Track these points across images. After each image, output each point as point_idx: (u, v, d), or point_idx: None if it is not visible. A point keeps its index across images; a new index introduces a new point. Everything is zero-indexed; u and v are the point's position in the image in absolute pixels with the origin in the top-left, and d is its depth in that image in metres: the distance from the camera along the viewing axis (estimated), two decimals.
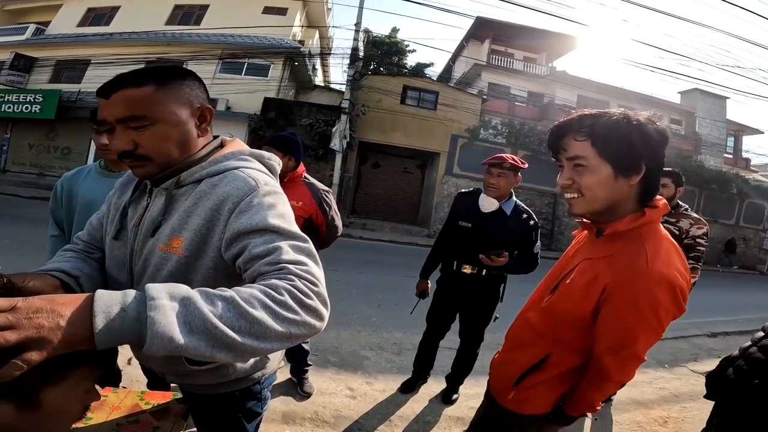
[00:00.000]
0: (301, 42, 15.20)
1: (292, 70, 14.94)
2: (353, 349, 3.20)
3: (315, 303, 0.63)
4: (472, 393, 2.54)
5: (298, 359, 2.43)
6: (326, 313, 0.65)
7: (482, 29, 17.77)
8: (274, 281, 0.62)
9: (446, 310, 2.45)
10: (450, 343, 2.64)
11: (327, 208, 2.22)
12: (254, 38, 13.72)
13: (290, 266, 0.66)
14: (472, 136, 13.24)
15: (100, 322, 0.48)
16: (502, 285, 2.34)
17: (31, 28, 15.10)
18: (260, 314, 0.57)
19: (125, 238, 0.87)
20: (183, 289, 0.56)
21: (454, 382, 2.56)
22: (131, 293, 0.53)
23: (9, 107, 13.72)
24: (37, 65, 14.44)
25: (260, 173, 0.83)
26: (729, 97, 19.72)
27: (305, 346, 2.44)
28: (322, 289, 0.66)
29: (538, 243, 2.25)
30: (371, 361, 3.03)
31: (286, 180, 2.14)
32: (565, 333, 1.01)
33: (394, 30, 21.08)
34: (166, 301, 0.52)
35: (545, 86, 17.08)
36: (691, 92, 18.54)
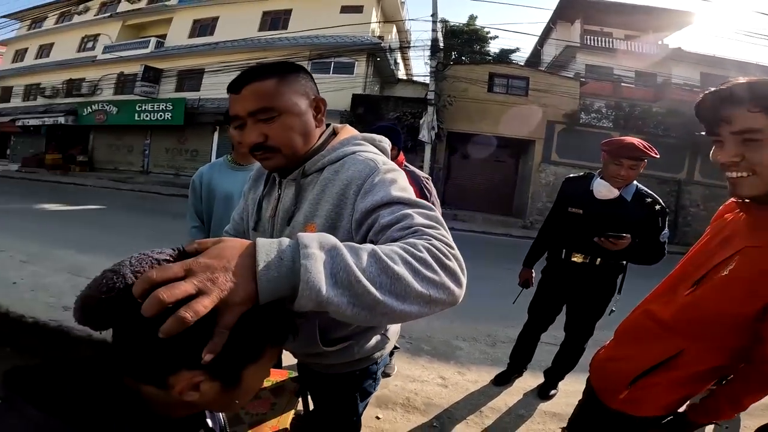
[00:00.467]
0: (381, 38, 15.45)
1: (375, 66, 15.20)
2: (446, 339, 3.15)
3: (454, 265, 0.59)
4: (573, 390, 2.32)
5: None
6: (464, 280, 0.60)
7: (569, 9, 16.62)
8: (412, 240, 0.61)
9: (552, 302, 2.34)
10: (548, 337, 2.55)
11: (428, 195, 2.28)
12: (337, 37, 14.24)
13: (424, 228, 0.64)
14: (571, 122, 12.30)
15: (262, 272, 0.47)
16: (621, 276, 2.17)
17: (153, 41, 17.17)
18: (401, 270, 0.53)
19: (263, 228, 0.96)
20: (331, 239, 0.54)
21: (554, 377, 2.44)
22: (285, 241, 0.52)
23: (146, 116, 15.94)
24: (163, 76, 16.46)
25: (376, 155, 0.86)
26: None
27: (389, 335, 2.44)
28: (458, 253, 0.62)
29: (666, 231, 1.97)
30: (464, 352, 2.99)
31: None
32: (711, 330, 0.90)
33: (472, 18, 20.65)
34: (317, 250, 0.50)
35: (657, 65, 15.30)
36: None
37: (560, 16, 17.42)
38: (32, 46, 20.97)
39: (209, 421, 0.68)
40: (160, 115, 15.63)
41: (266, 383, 1.39)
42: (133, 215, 8.34)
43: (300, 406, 1.41)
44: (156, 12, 17.85)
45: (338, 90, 13.37)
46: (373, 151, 0.89)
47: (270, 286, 0.47)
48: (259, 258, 0.48)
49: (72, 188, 12.82)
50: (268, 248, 0.49)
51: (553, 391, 2.44)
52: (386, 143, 0.96)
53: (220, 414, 0.72)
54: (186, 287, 0.42)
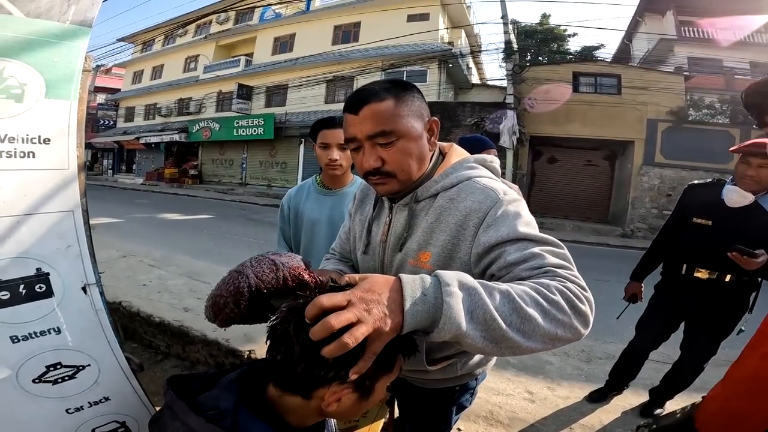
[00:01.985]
0: (450, 43, 15.25)
1: (448, 73, 15.05)
2: (535, 353, 2.83)
3: (585, 308, 0.60)
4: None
5: None
6: (591, 320, 0.61)
7: (658, 1, 14.94)
8: (545, 281, 0.61)
9: (669, 319, 2.15)
10: (657, 354, 2.39)
11: None
12: (407, 46, 14.33)
13: (557, 269, 0.64)
14: (677, 119, 10.88)
15: (408, 306, 0.52)
16: (755, 293, 1.96)
17: (243, 60, 18.60)
18: (532, 311, 0.56)
19: (374, 253, 0.94)
20: (469, 278, 0.57)
21: (662, 395, 2.25)
22: (427, 278, 0.56)
23: (243, 131, 17.38)
24: (254, 93, 17.87)
25: (493, 181, 0.84)
26: None
27: None
28: (590, 295, 0.62)
29: None
30: (555, 367, 2.85)
31: None
32: None
33: (545, 16, 19.41)
34: (456, 289, 0.54)
35: None
36: None
37: (647, 8, 15.71)
38: (147, 68, 22.90)
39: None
40: (254, 130, 16.88)
41: None
42: (235, 224, 9.20)
43: (386, 414, 1.45)
44: (241, 32, 18.98)
45: None
46: (487, 175, 0.87)
47: (414, 320, 0.53)
48: (405, 293, 0.53)
49: (186, 199, 14.59)
50: (412, 284, 0.55)
51: (658, 410, 2.23)
52: (497, 163, 0.94)
53: (332, 420, 0.77)
54: (348, 316, 0.49)
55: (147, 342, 2.85)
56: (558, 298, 0.59)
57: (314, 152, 1.64)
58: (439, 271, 0.57)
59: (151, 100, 22.40)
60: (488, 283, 0.59)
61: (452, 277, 0.56)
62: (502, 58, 11.60)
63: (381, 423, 1.36)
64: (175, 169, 20.05)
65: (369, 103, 0.77)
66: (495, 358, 1.08)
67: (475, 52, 17.28)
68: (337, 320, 0.48)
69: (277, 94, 17.37)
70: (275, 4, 16.18)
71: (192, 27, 20.33)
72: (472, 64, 19.12)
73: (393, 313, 0.52)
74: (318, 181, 1.74)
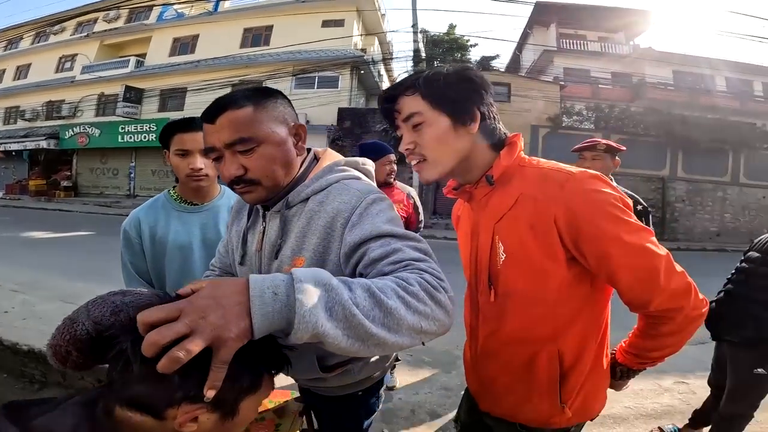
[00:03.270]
0: (363, 50, 15.62)
1: (360, 79, 15.34)
2: (447, 349, 3.13)
3: (444, 298, 0.61)
4: None
5: None
6: (452, 309, 0.62)
7: (544, 14, 17.09)
8: (404, 274, 0.62)
9: None
10: None
11: (420, 208, 2.51)
12: (320, 52, 14.32)
13: (415, 262, 0.65)
14: (554, 125, 12.60)
15: (257, 308, 0.48)
16: None
17: (132, 60, 16.94)
18: (394, 304, 0.55)
19: (250, 263, 0.92)
20: (325, 274, 0.55)
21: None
22: (280, 276, 0.53)
23: (130, 137, 15.67)
24: (145, 96, 16.25)
25: (361, 182, 0.85)
26: None
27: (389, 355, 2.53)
28: (448, 285, 0.63)
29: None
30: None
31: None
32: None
33: (452, 27, 20.89)
34: (311, 285, 0.52)
35: (631, 65, 15.82)
36: None
37: (536, 21, 17.88)
38: (9, 67, 20.38)
39: None
40: (144, 136, 15.42)
41: (269, 404, 1.38)
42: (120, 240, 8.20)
43: (305, 425, 1.41)
44: (134, 31, 17.70)
45: (324, 105, 13.49)
46: (357, 177, 0.87)
47: (265, 321, 0.48)
48: (252, 294, 0.49)
49: (58, 214, 12.56)
50: (261, 284, 0.50)
51: None
52: (370, 165, 0.95)
53: None
54: (177, 328, 0.44)
55: (18, 372, 2.55)
56: (417, 288, 0.58)
57: (167, 162, 1.39)
58: (294, 269, 0.54)
59: (13, 102, 19.41)
60: (348, 278, 0.58)
61: (306, 274, 0.53)
62: (411, 66, 12.15)
63: None
64: (42, 180, 17.26)
65: (226, 111, 0.75)
66: (391, 358, 1.09)
67: (387, 59, 17.93)
68: (161, 334, 0.44)
69: (173, 97, 16.07)
70: (178, 4, 14.87)
71: (71, 24, 18.12)
72: (383, 71, 19.74)
73: (237, 317, 0.47)
74: (174, 197, 1.44)
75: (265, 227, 0.88)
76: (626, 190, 2.09)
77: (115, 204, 15.05)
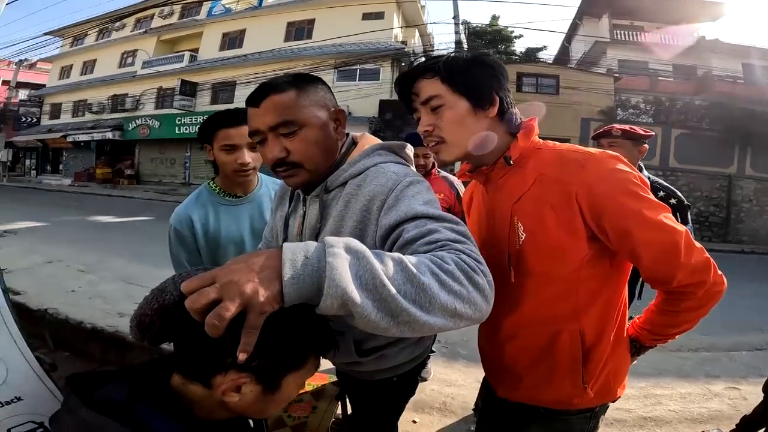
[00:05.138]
0: (404, 42, 15.48)
1: (400, 71, 15.13)
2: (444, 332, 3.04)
3: (482, 281, 0.57)
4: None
5: None
6: (491, 296, 0.59)
7: (595, 5, 16.16)
8: (440, 252, 0.59)
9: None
10: None
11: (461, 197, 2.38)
12: (361, 45, 14.34)
13: (452, 243, 0.62)
14: (607, 118, 11.89)
15: (287, 272, 0.48)
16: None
17: (187, 55, 17.76)
18: (427, 280, 0.52)
19: None
20: (358, 243, 0.54)
21: None
22: (312, 243, 0.52)
23: (186, 129, 16.49)
24: (198, 89, 17.05)
25: (398, 165, 0.85)
26: None
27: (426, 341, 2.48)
28: (487, 269, 0.60)
29: (689, 225, 1.91)
30: None
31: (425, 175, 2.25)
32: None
33: (494, 18, 20.26)
34: (343, 251, 0.50)
35: (695, 57, 14.56)
36: None
37: (586, 12, 16.95)
38: (76, 62, 21.64)
39: (251, 422, 0.73)
40: (198, 128, 16.19)
41: (308, 387, 1.40)
42: None
43: (339, 410, 1.45)
44: (187, 27, 18.36)
45: (365, 96, 13.61)
46: (394, 160, 0.87)
47: (294, 285, 0.48)
48: (284, 257, 0.49)
49: (122, 200, 13.62)
50: (293, 249, 0.50)
51: None
52: (410, 149, 0.94)
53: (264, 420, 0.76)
54: (208, 293, 0.46)
55: (80, 350, 2.68)
56: (453, 267, 0.56)
57: (208, 157, 1.35)
58: (327, 237, 0.54)
59: (81, 96, 20.84)
60: (380, 251, 0.56)
61: (338, 241, 0.52)
62: None
63: (330, 418, 1.36)
64: (108, 168, 18.68)
65: (270, 95, 0.77)
66: (427, 344, 1.09)
67: (428, 51, 17.68)
68: (193, 300, 0.46)
69: (224, 91, 16.70)
70: None
71: (130, 21, 19.16)
72: None
73: (267, 280, 0.47)
74: (217, 190, 1.42)
75: (305, 212, 0.90)
76: (660, 181, 2.01)
77: (172, 191, 15.98)
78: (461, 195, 2.37)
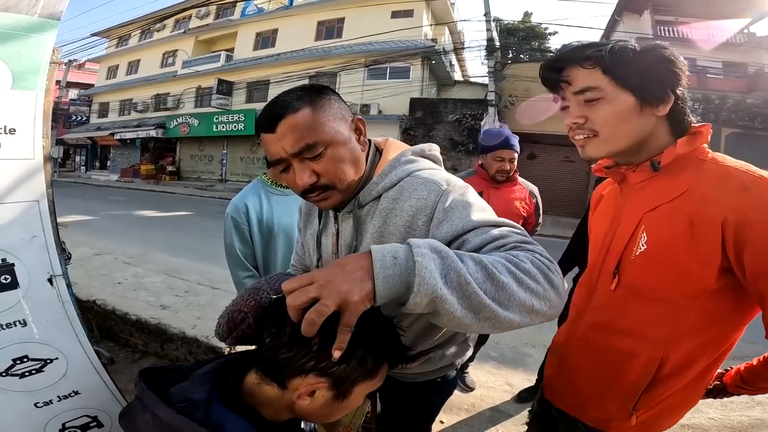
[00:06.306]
0: (434, 40, 15.29)
1: (431, 69, 15.10)
2: (514, 345, 3.05)
3: (557, 279, 0.59)
4: None
5: None
6: (565, 295, 0.60)
7: (636, 0, 15.31)
8: (514, 252, 0.60)
9: None
10: None
11: (540, 209, 2.24)
12: (390, 43, 14.28)
13: (522, 244, 0.63)
14: None
15: (378, 271, 0.51)
16: None
17: (223, 55, 18.29)
18: (506, 279, 0.54)
19: (327, 264, 0.88)
20: (439, 244, 0.56)
21: None
22: (398, 245, 0.55)
23: (223, 127, 17.12)
24: (234, 88, 17.60)
25: (431, 171, 0.81)
26: None
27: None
28: (558, 269, 0.60)
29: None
30: (534, 359, 2.84)
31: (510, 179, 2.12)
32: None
33: (527, 14, 19.69)
34: (428, 251, 0.53)
35: (745, 54, 13.58)
36: None
37: (626, 7, 16.14)
38: (122, 63, 22.51)
39: (303, 425, 0.76)
40: (234, 126, 16.67)
41: None
42: (215, 221, 9.03)
43: (368, 408, 1.46)
44: (222, 27, 18.77)
45: (396, 95, 13.58)
46: (428, 166, 0.83)
47: (386, 284, 0.51)
48: (375, 258, 0.52)
49: (164, 195, 14.30)
50: (381, 250, 0.53)
51: None
52: (436, 150, 0.90)
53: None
54: (308, 292, 0.49)
55: (123, 340, 2.80)
56: (529, 266, 0.57)
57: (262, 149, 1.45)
58: (410, 239, 0.56)
59: (127, 95, 21.86)
60: (460, 251, 0.57)
61: (423, 242, 0.55)
62: (485, 56, 11.72)
63: (362, 416, 1.39)
64: (151, 165, 19.58)
65: (284, 117, 0.70)
66: (472, 346, 1.09)
67: (458, 49, 17.41)
68: (294, 298, 0.50)
69: (258, 89, 17.13)
70: None
71: (170, 22, 19.87)
72: (455, 61, 19.23)
73: (361, 281, 0.50)
74: (269, 182, 1.47)
75: (338, 229, 0.86)
76: None
77: (209, 187, 16.60)
78: (539, 206, 2.22)
